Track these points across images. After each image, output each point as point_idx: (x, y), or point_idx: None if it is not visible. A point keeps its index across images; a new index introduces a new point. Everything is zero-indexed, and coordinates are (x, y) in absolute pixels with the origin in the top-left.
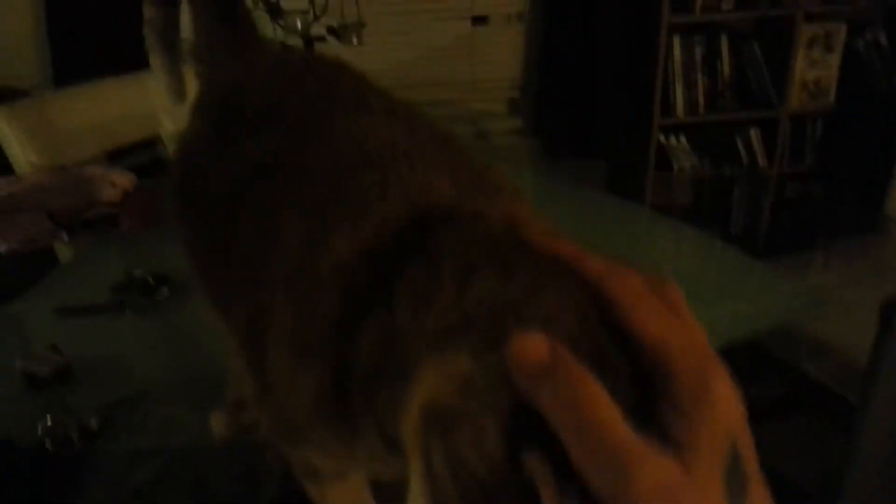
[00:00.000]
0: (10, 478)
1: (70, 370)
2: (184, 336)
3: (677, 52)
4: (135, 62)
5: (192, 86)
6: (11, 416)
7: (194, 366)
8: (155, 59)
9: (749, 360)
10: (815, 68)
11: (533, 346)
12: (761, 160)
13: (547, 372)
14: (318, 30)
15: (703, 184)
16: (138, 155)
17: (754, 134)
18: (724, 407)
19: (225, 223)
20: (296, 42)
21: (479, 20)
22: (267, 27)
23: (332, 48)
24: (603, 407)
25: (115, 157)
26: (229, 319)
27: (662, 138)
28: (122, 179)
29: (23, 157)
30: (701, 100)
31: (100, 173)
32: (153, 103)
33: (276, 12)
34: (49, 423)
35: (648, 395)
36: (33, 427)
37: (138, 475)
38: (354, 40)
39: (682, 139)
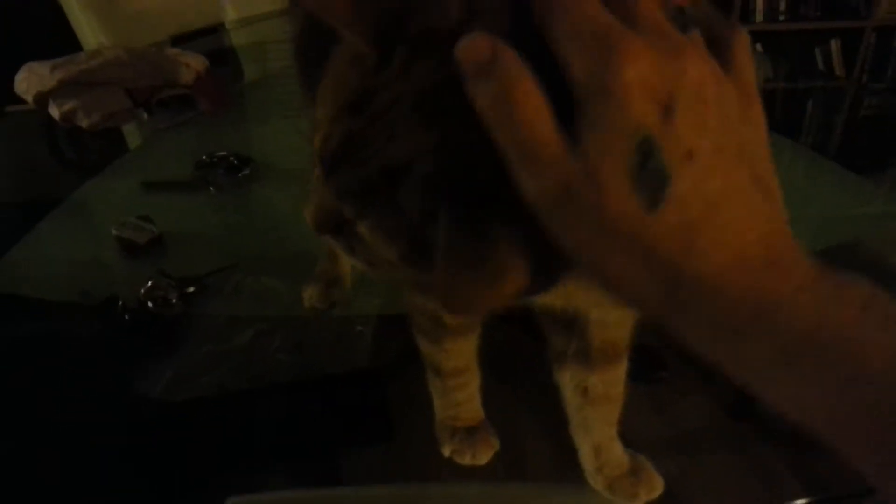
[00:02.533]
0: (116, 331)
1: (162, 240)
2: (267, 215)
3: None
4: None
5: None
6: (113, 279)
7: (281, 243)
8: None
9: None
10: None
11: (475, 44)
12: (839, 73)
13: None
14: None
15: (774, 96)
16: (202, 41)
17: (835, 45)
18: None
19: None
20: None
21: None
22: None
23: None
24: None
25: (181, 41)
26: None
27: None
28: (196, 62)
29: (92, 37)
30: (782, 6)
31: (175, 53)
32: None
33: None
34: (149, 285)
35: None
36: (135, 289)
37: (236, 337)
38: None
39: (759, 47)
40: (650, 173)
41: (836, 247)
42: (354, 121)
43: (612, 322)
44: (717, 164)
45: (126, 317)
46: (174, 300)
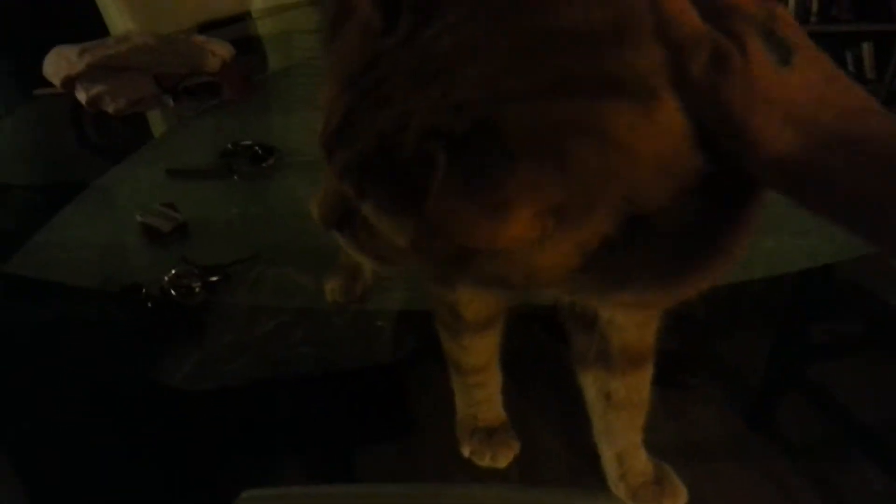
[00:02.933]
0: (138, 319)
1: (187, 227)
2: (291, 205)
3: None
4: None
5: None
6: (137, 266)
7: (304, 234)
8: None
9: (826, 291)
10: None
11: None
12: (870, 77)
13: None
14: None
15: None
16: (228, 29)
17: (867, 49)
18: None
19: None
20: None
21: None
22: None
23: None
24: None
25: (207, 29)
26: None
27: None
28: (222, 50)
29: (120, 22)
30: (814, 7)
31: (201, 41)
32: None
33: None
34: (173, 274)
35: None
36: (159, 276)
37: (258, 328)
38: None
39: None
40: (777, 43)
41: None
42: (353, 95)
43: (629, 324)
44: (814, 61)
45: (149, 304)
46: (197, 289)
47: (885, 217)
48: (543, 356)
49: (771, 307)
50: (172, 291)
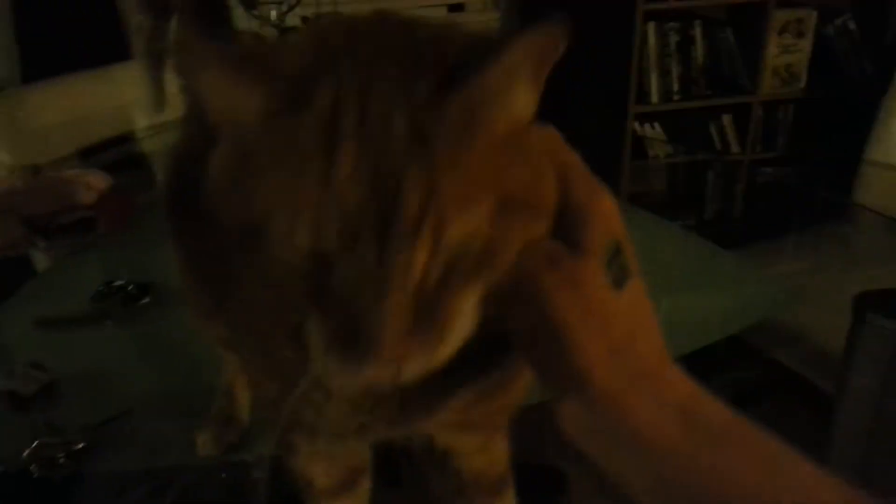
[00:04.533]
0: None
1: (54, 387)
2: (168, 346)
3: (652, 39)
4: (104, 57)
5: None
6: None
7: (180, 379)
8: (139, 66)
9: (722, 346)
10: (786, 53)
11: None
12: (734, 146)
13: None
14: (292, 20)
15: (676, 171)
16: (113, 151)
17: (727, 120)
18: (608, 214)
19: None
20: (270, 33)
21: (456, 7)
22: (241, 18)
23: None
24: None
25: (89, 153)
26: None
27: (637, 126)
28: (97, 180)
29: None
30: (675, 87)
31: (74, 175)
32: (125, 98)
33: (249, 2)
34: (34, 446)
35: None
36: (18, 450)
37: (128, 496)
38: None
39: (657, 126)
40: (618, 266)
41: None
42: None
43: (472, 450)
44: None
45: (6, 486)
46: (62, 460)
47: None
48: None
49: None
50: (33, 467)
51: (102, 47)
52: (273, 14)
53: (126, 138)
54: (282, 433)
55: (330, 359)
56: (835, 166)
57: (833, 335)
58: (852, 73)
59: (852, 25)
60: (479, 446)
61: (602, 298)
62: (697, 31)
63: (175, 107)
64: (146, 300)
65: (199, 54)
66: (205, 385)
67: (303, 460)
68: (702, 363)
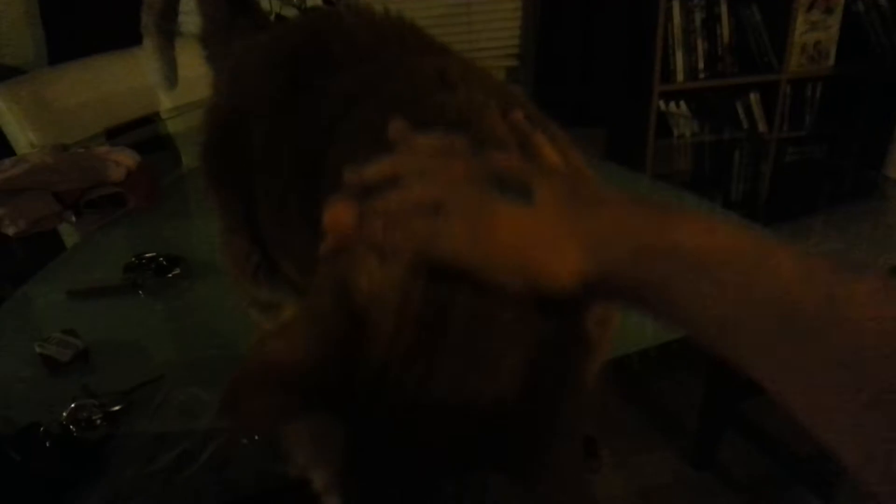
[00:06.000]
0: (38, 460)
1: (88, 354)
2: (198, 316)
3: (677, 16)
4: (128, 38)
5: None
6: (36, 400)
7: (210, 346)
8: (148, 43)
9: None
10: (814, 31)
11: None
12: (761, 125)
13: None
14: (314, 1)
15: (703, 150)
16: (138, 132)
17: (754, 98)
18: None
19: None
20: (291, 13)
21: None
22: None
23: None
24: None
25: (115, 134)
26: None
27: (662, 105)
28: (126, 158)
29: (22, 136)
30: (701, 65)
31: (103, 152)
32: (149, 79)
33: None
34: (73, 407)
35: None
36: (58, 411)
37: (162, 457)
38: None
39: (682, 105)
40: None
41: None
42: None
43: None
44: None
45: (47, 444)
46: (98, 421)
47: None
48: None
49: (697, 351)
50: (72, 427)
51: (127, 29)
52: None
53: (150, 119)
54: None
55: None
56: (863, 144)
57: None
58: (882, 49)
59: (882, 0)
60: None
61: (519, 223)
62: (723, 8)
63: (196, 89)
64: (176, 271)
65: None
66: (233, 353)
67: None
68: None
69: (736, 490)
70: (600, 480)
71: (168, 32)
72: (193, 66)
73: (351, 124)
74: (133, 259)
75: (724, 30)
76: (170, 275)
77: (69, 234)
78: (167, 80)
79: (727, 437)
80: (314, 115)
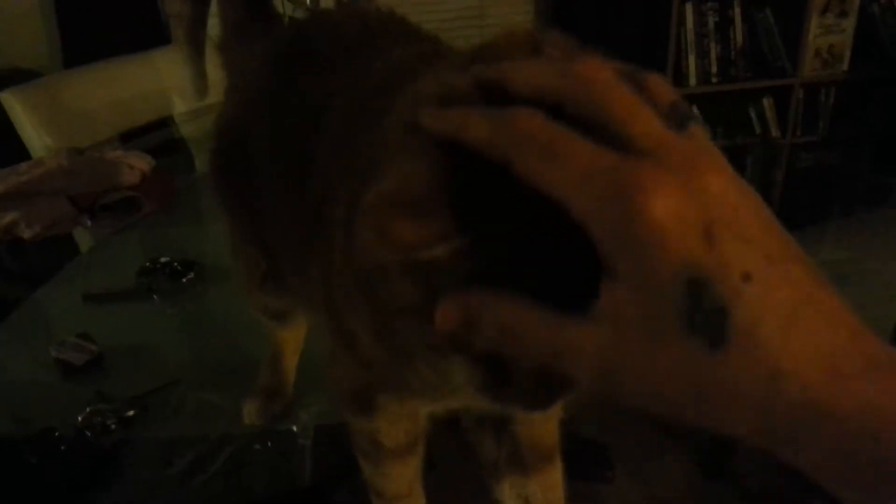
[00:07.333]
0: (53, 464)
1: (102, 358)
2: (212, 321)
3: (690, 20)
4: (144, 42)
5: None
6: (51, 404)
7: (225, 351)
8: (181, 54)
9: None
10: (829, 34)
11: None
12: (774, 130)
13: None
14: (327, 3)
15: None
16: (152, 135)
17: (767, 103)
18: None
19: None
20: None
21: None
22: (276, 2)
23: None
24: None
25: (129, 137)
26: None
27: None
28: (141, 162)
29: (37, 139)
30: (713, 69)
31: (118, 156)
32: (164, 83)
33: None
34: (87, 412)
35: None
36: (73, 415)
37: (176, 462)
38: None
39: (695, 109)
40: (706, 312)
41: None
42: None
43: (538, 418)
44: (774, 272)
45: (62, 448)
46: (113, 426)
47: None
48: (467, 477)
49: None
50: (87, 431)
51: (142, 32)
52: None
53: (165, 123)
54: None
55: (479, 395)
56: (879, 148)
57: (880, 323)
58: None
59: None
60: (548, 414)
61: (696, 378)
62: (736, 12)
63: (211, 93)
64: (190, 276)
65: None
66: (248, 359)
67: (379, 421)
68: None
69: (749, 501)
70: (608, 487)
71: (199, 43)
72: (210, 70)
73: (336, 116)
74: (147, 263)
75: (738, 34)
76: (184, 279)
77: (84, 237)
78: (198, 90)
79: (740, 447)
80: (299, 112)
